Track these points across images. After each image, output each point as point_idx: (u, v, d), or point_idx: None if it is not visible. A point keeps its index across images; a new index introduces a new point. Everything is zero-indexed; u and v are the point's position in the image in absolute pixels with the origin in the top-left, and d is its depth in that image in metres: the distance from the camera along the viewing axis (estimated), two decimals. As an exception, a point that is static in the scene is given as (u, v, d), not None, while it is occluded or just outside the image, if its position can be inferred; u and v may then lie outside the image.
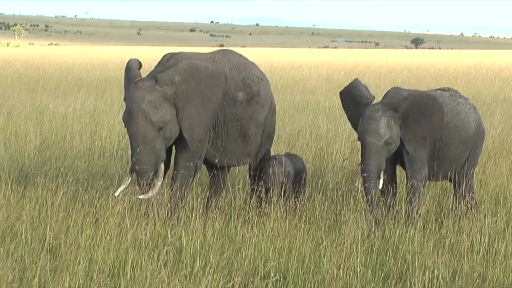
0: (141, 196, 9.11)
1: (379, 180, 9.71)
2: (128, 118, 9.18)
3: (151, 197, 9.15)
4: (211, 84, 9.49)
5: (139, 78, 9.38)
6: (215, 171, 10.19)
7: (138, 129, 9.11)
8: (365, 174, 9.62)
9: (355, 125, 10.12)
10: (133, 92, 9.21)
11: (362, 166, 9.66)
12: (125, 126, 9.32)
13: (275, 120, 10.45)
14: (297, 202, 9.91)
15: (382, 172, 9.74)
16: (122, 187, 9.28)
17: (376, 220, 9.47)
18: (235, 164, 10.14)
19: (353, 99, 10.12)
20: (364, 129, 9.70)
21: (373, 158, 9.63)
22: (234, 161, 10.01)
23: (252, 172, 10.29)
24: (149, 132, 9.13)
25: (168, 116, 9.26)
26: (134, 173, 9.26)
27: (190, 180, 9.63)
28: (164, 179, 9.79)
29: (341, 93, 10.46)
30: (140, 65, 9.58)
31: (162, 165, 9.31)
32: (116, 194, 9.27)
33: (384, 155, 9.72)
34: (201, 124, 9.43)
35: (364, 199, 9.79)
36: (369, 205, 9.64)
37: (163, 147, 9.30)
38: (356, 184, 9.94)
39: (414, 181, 9.82)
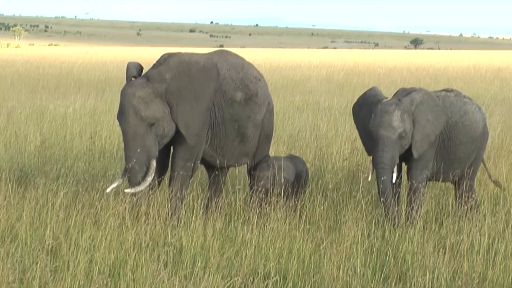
0: (127, 190, 9.13)
1: (392, 174, 9.68)
2: (120, 115, 9.27)
3: (141, 193, 9.18)
4: (203, 78, 9.53)
5: (134, 77, 9.47)
6: (216, 172, 10.21)
7: (129, 125, 9.18)
8: (379, 167, 9.55)
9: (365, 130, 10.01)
10: (126, 89, 9.33)
11: (375, 159, 9.60)
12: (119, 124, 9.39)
13: (272, 121, 10.47)
14: (296, 203, 9.91)
15: (396, 167, 9.71)
16: (114, 185, 9.32)
17: (390, 214, 9.43)
18: (233, 164, 10.16)
19: (368, 100, 10.05)
20: (378, 122, 9.64)
21: (386, 151, 9.57)
22: (232, 161, 10.03)
23: (252, 172, 10.30)
24: (139, 128, 9.18)
25: (159, 112, 9.30)
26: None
27: (189, 181, 9.64)
28: (163, 179, 9.80)
29: (354, 105, 10.39)
30: (141, 67, 9.63)
31: (154, 162, 9.33)
32: (107, 191, 9.32)
33: (397, 149, 9.64)
34: (197, 119, 9.46)
35: (377, 194, 9.70)
36: (385, 199, 9.51)
37: (155, 144, 9.32)
38: (369, 178, 9.90)
39: (414, 181, 9.82)
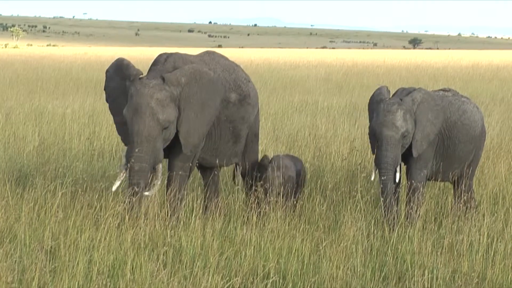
0: (147, 193, 9.00)
1: (395, 174, 9.67)
2: (134, 115, 9.07)
3: (149, 197, 9.14)
4: (211, 90, 9.50)
5: (141, 75, 9.35)
6: (215, 172, 10.21)
7: (144, 126, 9.01)
8: (382, 167, 9.54)
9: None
10: (141, 88, 9.11)
11: (378, 159, 9.58)
12: (124, 123, 9.25)
13: (259, 119, 10.55)
14: (295, 202, 9.91)
15: (398, 167, 9.70)
16: (118, 183, 9.19)
17: (389, 215, 9.41)
18: (225, 164, 10.12)
19: (374, 99, 10.05)
20: (381, 121, 9.61)
21: (390, 151, 9.55)
22: (225, 161, 10.01)
23: (245, 174, 10.31)
24: (154, 130, 9.05)
25: (172, 116, 9.21)
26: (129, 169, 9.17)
27: (187, 181, 9.62)
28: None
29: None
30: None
31: (160, 165, 9.28)
32: (113, 189, 9.21)
33: (399, 149, 9.65)
34: (198, 130, 9.40)
35: (376, 194, 9.71)
36: (385, 199, 9.53)
37: (162, 147, 9.27)
38: (372, 178, 9.89)
39: (413, 181, 9.81)
